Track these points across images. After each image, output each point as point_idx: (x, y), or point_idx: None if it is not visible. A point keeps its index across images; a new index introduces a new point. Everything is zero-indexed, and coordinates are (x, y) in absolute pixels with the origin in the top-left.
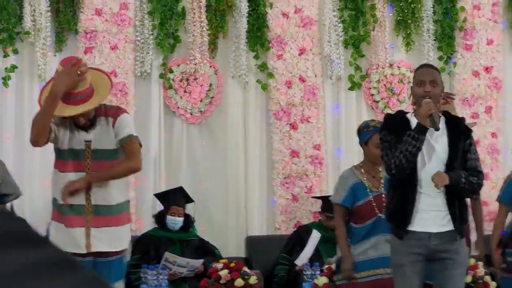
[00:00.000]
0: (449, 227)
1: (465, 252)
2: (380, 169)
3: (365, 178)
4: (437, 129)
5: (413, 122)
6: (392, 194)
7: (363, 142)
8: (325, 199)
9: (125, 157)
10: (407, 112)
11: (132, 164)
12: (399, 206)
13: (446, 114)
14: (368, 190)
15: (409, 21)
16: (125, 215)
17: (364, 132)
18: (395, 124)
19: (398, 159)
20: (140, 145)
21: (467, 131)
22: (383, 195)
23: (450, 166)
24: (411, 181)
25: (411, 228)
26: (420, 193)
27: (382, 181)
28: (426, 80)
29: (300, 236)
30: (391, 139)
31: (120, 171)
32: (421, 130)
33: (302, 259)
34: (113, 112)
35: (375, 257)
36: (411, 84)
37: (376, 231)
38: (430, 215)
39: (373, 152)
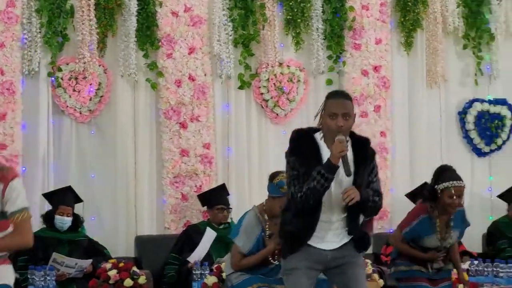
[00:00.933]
0: (344, 240)
1: (361, 255)
2: None
3: (267, 226)
4: (348, 175)
5: (322, 147)
6: (291, 218)
7: (271, 196)
8: (207, 194)
9: (14, 229)
10: (315, 130)
11: (25, 241)
12: (296, 231)
13: (352, 135)
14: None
15: (299, 20)
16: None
17: (275, 188)
18: (304, 148)
19: (305, 195)
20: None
21: (372, 154)
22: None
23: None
24: (315, 210)
25: (308, 242)
26: (321, 221)
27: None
28: (339, 113)
29: (189, 235)
30: (300, 167)
31: (9, 245)
32: (331, 169)
33: (195, 256)
34: (2, 176)
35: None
36: (321, 111)
37: (270, 275)
38: (328, 236)
39: (276, 210)
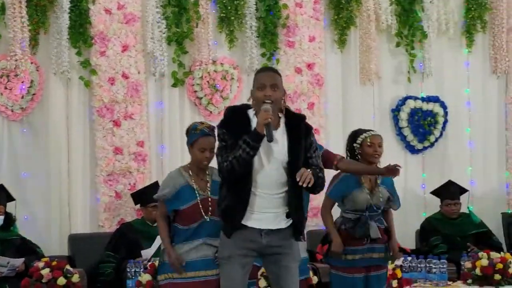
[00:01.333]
0: (282, 225)
1: (297, 247)
2: (207, 172)
3: (193, 180)
4: (270, 140)
5: (254, 122)
6: (226, 193)
7: (189, 144)
8: (143, 192)
9: None
10: (250, 107)
11: None
12: (231, 206)
13: (288, 112)
14: (196, 192)
15: (232, 18)
16: None
17: (191, 134)
18: (235, 122)
19: (230, 164)
20: None
21: (308, 129)
22: (209, 199)
23: (291, 167)
24: (245, 183)
25: (244, 223)
26: (255, 195)
27: (209, 184)
28: (267, 84)
29: (123, 233)
30: (228, 139)
31: None
32: (257, 137)
33: (148, 253)
34: None
35: (198, 259)
36: (252, 87)
37: (200, 234)
38: (264, 216)
39: (197, 156)
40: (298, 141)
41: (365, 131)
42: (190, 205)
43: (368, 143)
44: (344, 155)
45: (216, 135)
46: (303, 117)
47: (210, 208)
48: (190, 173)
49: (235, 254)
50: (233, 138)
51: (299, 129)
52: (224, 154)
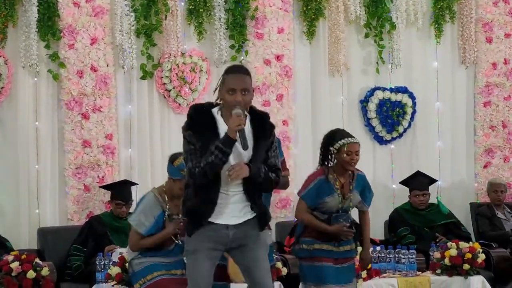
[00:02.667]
0: (248, 216)
1: (265, 234)
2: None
3: (167, 207)
4: (245, 148)
5: (220, 121)
6: (192, 193)
7: (170, 177)
8: (112, 187)
9: None
10: (213, 106)
11: None
12: (198, 206)
13: (252, 110)
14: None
15: (201, 10)
16: None
17: (175, 170)
18: (200, 123)
19: (202, 169)
20: None
21: (271, 128)
22: (181, 221)
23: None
24: (214, 183)
25: (211, 220)
26: (223, 194)
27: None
28: (238, 88)
29: (92, 226)
30: (196, 141)
31: None
32: (229, 143)
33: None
34: None
35: (171, 262)
36: (218, 86)
37: (171, 254)
38: (228, 209)
39: (176, 191)
40: (262, 140)
41: (343, 135)
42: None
43: (346, 151)
44: (315, 154)
45: (182, 137)
46: (267, 116)
47: (179, 231)
48: (166, 198)
49: (201, 248)
50: (200, 140)
51: (264, 127)
52: (194, 159)
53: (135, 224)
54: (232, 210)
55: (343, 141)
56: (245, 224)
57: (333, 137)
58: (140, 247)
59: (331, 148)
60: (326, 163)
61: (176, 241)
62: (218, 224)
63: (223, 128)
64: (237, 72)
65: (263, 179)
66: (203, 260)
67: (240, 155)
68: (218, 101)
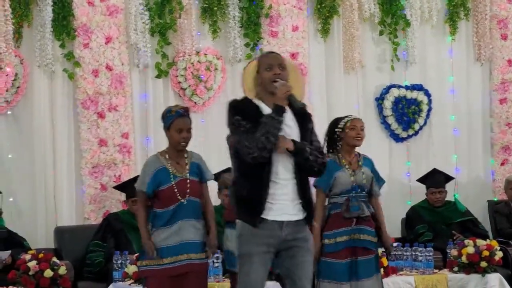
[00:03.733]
0: (300, 216)
1: (311, 239)
2: (185, 155)
3: (169, 164)
4: (302, 106)
5: (263, 106)
6: (243, 181)
7: (166, 128)
8: (126, 185)
9: None
10: (250, 99)
11: None
12: (252, 193)
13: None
14: (171, 175)
15: (215, 8)
16: None
17: (166, 117)
18: (245, 109)
19: (260, 142)
20: None
21: (309, 114)
22: (188, 181)
23: None
24: (264, 168)
25: (264, 216)
26: (274, 182)
27: (187, 166)
28: (275, 63)
29: (110, 223)
30: (246, 123)
31: None
32: (280, 110)
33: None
34: None
35: (177, 243)
36: (258, 72)
37: (178, 216)
38: (281, 204)
39: (174, 137)
40: (305, 125)
41: (345, 117)
42: (166, 188)
43: (350, 126)
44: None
45: (230, 126)
46: (304, 104)
47: (188, 190)
48: (167, 156)
49: (256, 252)
50: (249, 122)
51: (304, 114)
52: (248, 137)
53: (138, 185)
54: (283, 204)
55: (346, 119)
56: (296, 224)
57: (336, 121)
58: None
59: (336, 129)
60: (331, 150)
61: (182, 200)
62: (270, 221)
63: (267, 111)
64: (270, 53)
65: (310, 155)
66: (258, 265)
67: (287, 136)
68: (251, 92)
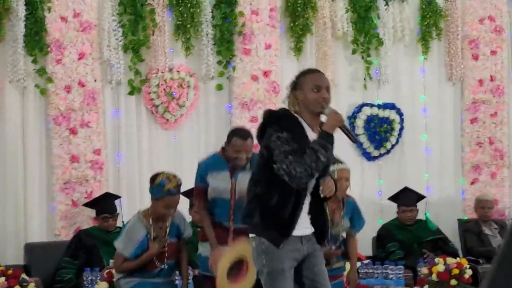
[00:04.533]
0: (311, 229)
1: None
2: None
3: (152, 228)
4: (355, 141)
5: (305, 125)
6: (281, 199)
7: (153, 198)
8: (97, 202)
9: None
10: (294, 115)
11: None
12: (288, 212)
13: None
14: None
15: (189, 26)
16: None
17: (157, 189)
18: (293, 127)
19: (309, 168)
20: None
21: None
22: (165, 245)
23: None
24: (305, 188)
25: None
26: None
27: (168, 230)
28: (323, 85)
29: (81, 239)
30: (293, 143)
31: None
32: (331, 140)
33: None
34: None
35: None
36: (297, 88)
37: (158, 278)
38: (302, 219)
39: (160, 211)
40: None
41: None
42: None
43: (338, 177)
44: None
45: (273, 139)
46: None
47: (166, 254)
48: (150, 222)
49: (288, 267)
50: (296, 142)
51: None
52: (295, 160)
53: (120, 247)
54: (303, 218)
55: (332, 167)
56: (310, 237)
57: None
58: (124, 269)
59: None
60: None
61: (161, 266)
62: (295, 237)
63: (309, 132)
64: (317, 72)
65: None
66: (290, 280)
67: None
68: (291, 107)
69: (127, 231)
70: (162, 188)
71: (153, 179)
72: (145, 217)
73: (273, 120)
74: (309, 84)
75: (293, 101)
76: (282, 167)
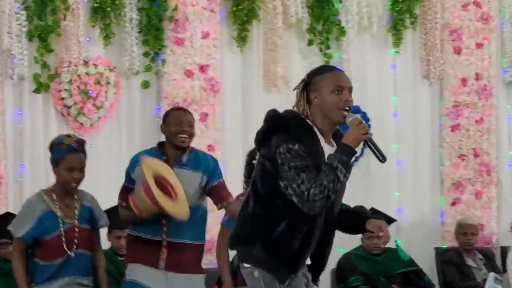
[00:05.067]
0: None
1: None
2: (75, 197)
3: (57, 207)
4: (384, 160)
5: (320, 137)
6: (288, 231)
7: (54, 163)
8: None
9: None
10: (307, 121)
11: None
12: (297, 242)
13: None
14: (60, 221)
15: (108, 9)
16: None
17: (56, 150)
18: (305, 136)
19: (326, 191)
20: None
21: None
22: (76, 229)
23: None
24: (314, 219)
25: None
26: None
27: (77, 211)
28: (346, 86)
29: None
30: (307, 158)
31: None
32: (351, 155)
33: None
34: None
35: None
36: (311, 90)
37: (65, 272)
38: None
39: (63, 176)
40: None
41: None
42: (52, 237)
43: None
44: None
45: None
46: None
47: (76, 240)
48: (54, 197)
49: None
50: (310, 157)
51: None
52: (308, 180)
53: (14, 231)
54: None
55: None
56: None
57: (255, 152)
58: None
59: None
60: None
61: (68, 254)
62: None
63: (322, 143)
64: (336, 69)
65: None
66: None
67: None
68: (304, 111)
69: (22, 209)
70: (61, 145)
71: (51, 145)
72: (46, 194)
73: (281, 127)
74: (329, 85)
75: (304, 106)
76: (292, 186)
